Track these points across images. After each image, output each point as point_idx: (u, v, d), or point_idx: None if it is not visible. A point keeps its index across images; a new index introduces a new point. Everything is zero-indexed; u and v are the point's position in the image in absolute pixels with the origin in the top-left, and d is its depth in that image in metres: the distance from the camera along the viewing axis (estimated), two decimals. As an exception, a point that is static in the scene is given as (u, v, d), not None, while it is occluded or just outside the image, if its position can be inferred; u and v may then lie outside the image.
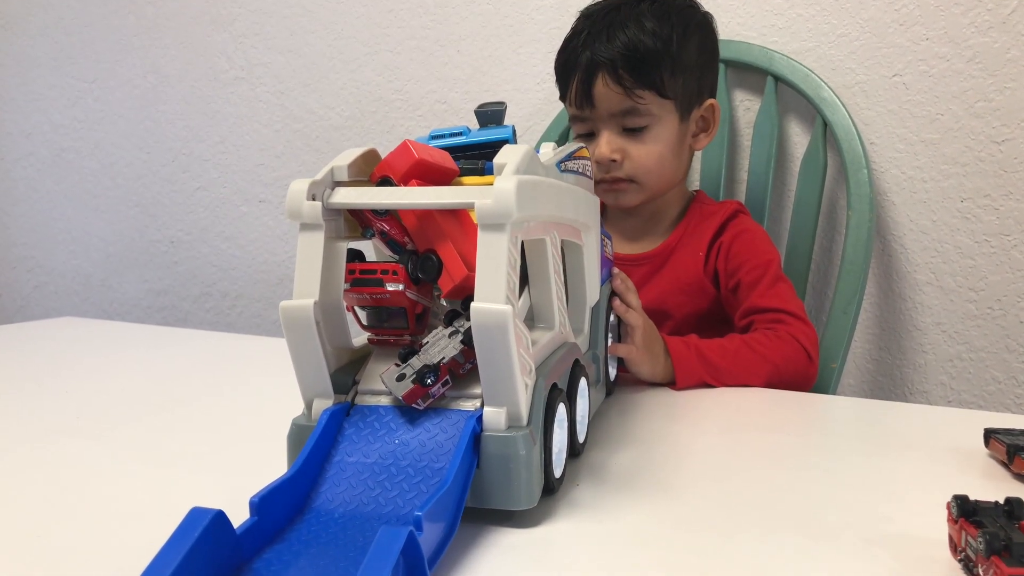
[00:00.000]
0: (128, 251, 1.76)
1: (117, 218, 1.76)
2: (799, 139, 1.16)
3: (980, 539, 0.38)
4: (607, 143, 0.92)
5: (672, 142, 0.95)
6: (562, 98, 0.99)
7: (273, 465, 0.49)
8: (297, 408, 0.50)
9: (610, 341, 0.73)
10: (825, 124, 1.09)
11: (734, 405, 0.74)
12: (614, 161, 0.92)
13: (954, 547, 0.42)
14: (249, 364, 0.95)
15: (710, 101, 0.98)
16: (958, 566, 0.41)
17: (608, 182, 0.94)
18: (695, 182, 1.19)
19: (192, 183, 1.67)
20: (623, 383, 0.78)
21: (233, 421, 0.70)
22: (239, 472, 0.56)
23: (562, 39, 0.99)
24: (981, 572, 0.38)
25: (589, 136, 0.95)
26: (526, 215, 0.47)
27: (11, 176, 1.85)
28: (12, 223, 1.87)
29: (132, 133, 1.72)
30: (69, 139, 1.78)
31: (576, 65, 0.92)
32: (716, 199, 1.12)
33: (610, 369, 0.73)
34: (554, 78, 0.99)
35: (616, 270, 0.76)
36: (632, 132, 0.93)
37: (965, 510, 0.41)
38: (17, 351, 1.01)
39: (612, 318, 0.74)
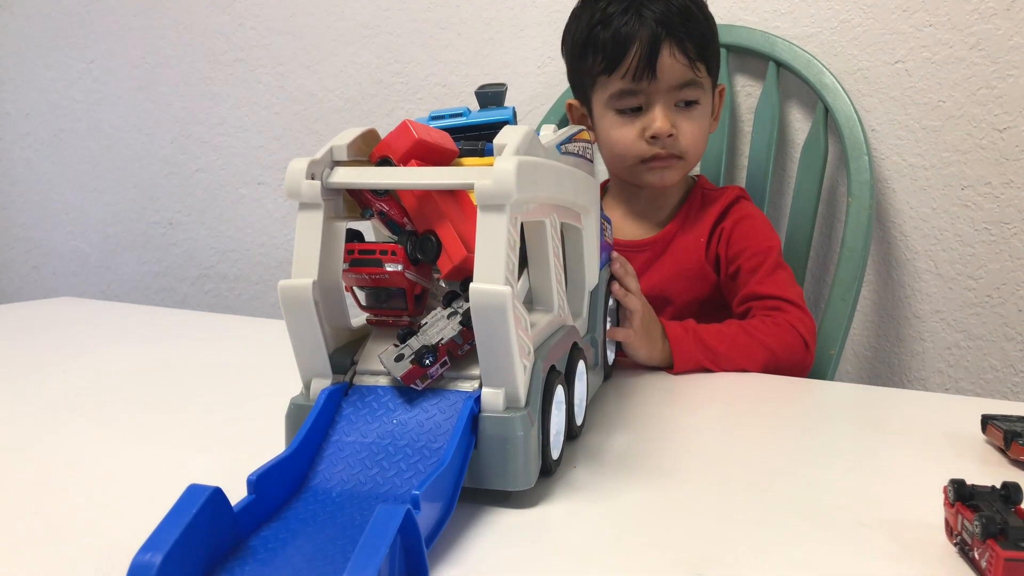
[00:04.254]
0: (126, 232, 1.75)
1: (115, 199, 1.75)
2: (800, 125, 1.15)
3: (976, 523, 0.38)
4: (664, 117, 0.90)
5: (709, 120, 0.96)
6: (600, 74, 0.92)
7: (271, 445, 0.49)
8: (295, 389, 0.50)
9: (608, 325, 0.73)
10: (826, 110, 1.09)
11: (731, 390, 0.74)
12: (671, 136, 0.91)
13: (950, 531, 0.42)
14: (248, 345, 0.95)
15: (721, 86, 0.99)
16: (954, 550, 0.41)
17: (662, 158, 0.93)
18: (695, 167, 1.18)
19: (191, 165, 1.67)
20: (621, 367, 0.78)
21: (231, 401, 0.70)
22: (237, 451, 0.56)
23: (563, 22, 0.98)
24: (977, 555, 0.39)
25: (636, 111, 0.92)
26: (526, 196, 0.46)
27: (9, 156, 1.84)
28: (10, 204, 1.86)
29: (131, 114, 1.71)
30: (67, 120, 1.78)
31: (634, 37, 0.88)
32: (716, 184, 1.11)
33: (608, 353, 0.73)
34: (554, 61, 0.98)
35: (615, 254, 0.75)
36: (683, 107, 0.92)
37: (962, 494, 0.41)
38: (14, 331, 1.01)
39: (611, 302, 0.74)
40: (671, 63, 0.89)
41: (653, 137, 0.91)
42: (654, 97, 0.91)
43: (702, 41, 0.90)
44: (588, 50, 0.93)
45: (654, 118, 0.91)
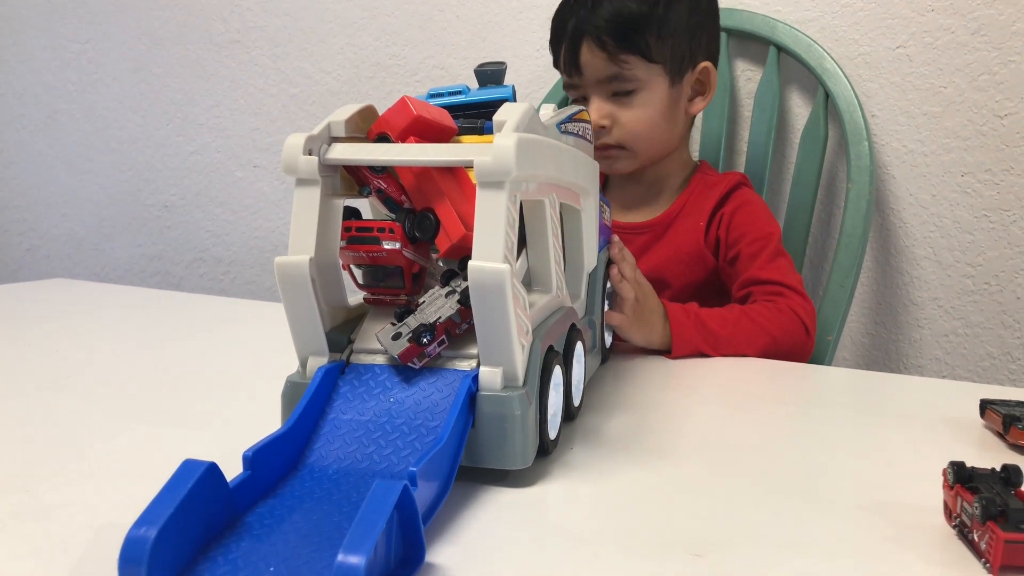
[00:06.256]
0: (121, 215, 1.74)
1: (110, 182, 1.74)
2: (800, 110, 1.15)
3: (976, 504, 0.38)
4: (596, 109, 0.92)
5: (663, 107, 0.94)
6: (555, 65, 0.98)
7: (267, 424, 0.49)
8: (292, 370, 0.50)
9: (606, 308, 0.72)
10: (827, 95, 1.08)
11: (730, 374, 0.74)
12: (603, 127, 0.92)
13: (949, 513, 0.42)
14: (244, 327, 0.94)
15: (704, 64, 0.97)
16: (952, 532, 0.41)
17: (600, 149, 0.94)
18: (695, 152, 1.18)
19: (186, 147, 1.66)
20: (618, 351, 0.78)
21: (226, 381, 0.69)
22: (232, 430, 0.55)
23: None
24: (976, 537, 0.38)
25: (582, 102, 0.95)
26: (525, 174, 0.46)
27: (3, 138, 1.83)
28: (4, 185, 1.85)
29: (126, 96, 1.70)
30: (62, 101, 1.76)
31: (563, 33, 0.93)
32: (716, 169, 1.11)
33: (606, 336, 0.72)
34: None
35: (614, 238, 0.75)
36: (620, 98, 0.93)
37: (961, 476, 0.41)
38: (8, 311, 1.00)
39: (608, 285, 0.73)
40: (590, 58, 0.91)
41: None
42: (587, 90, 0.94)
43: (629, 33, 0.90)
44: (550, 42, 0.98)
45: (588, 110, 0.91)
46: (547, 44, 0.99)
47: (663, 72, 0.93)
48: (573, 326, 0.56)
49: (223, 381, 0.69)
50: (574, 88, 0.96)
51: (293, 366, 0.50)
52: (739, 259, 0.93)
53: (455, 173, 0.49)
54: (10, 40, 1.78)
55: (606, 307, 0.72)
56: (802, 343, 0.85)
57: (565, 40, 0.93)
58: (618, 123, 0.93)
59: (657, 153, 0.97)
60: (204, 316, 1.00)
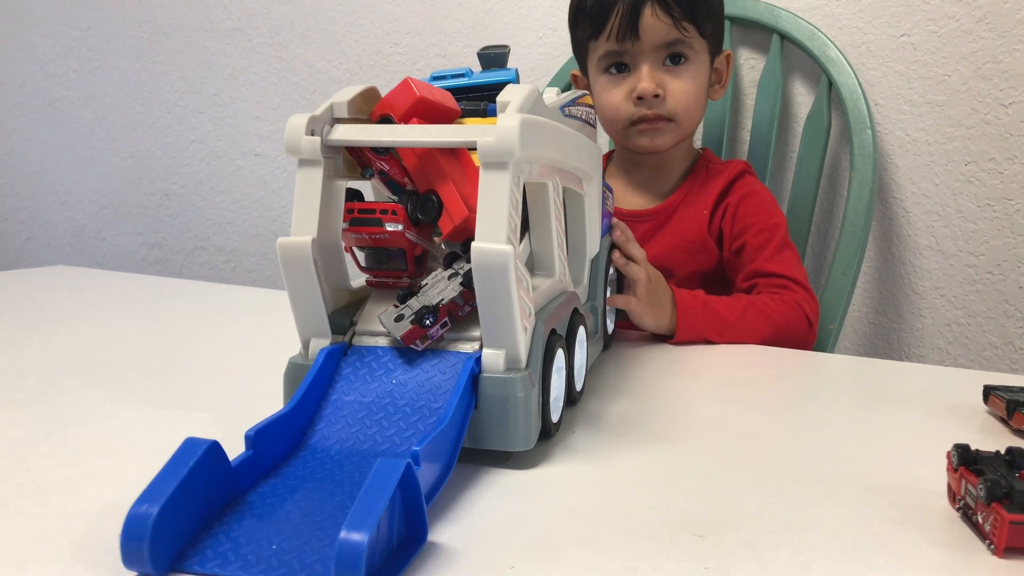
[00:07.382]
0: (122, 203, 1.74)
1: (111, 170, 1.74)
2: (803, 99, 1.14)
3: (981, 486, 0.38)
4: (649, 77, 0.91)
5: (704, 84, 0.96)
6: (589, 40, 0.95)
7: (268, 407, 0.48)
8: (294, 354, 0.49)
9: (609, 294, 0.72)
10: (830, 84, 1.08)
11: (732, 360, 0.74)
12: (657, 96, 0.91)
13: (953, 496, 0.42)
14: (245, 313, 0.94)
15: (728, 51, 0.99)
16: (956, 515, 0.41)
17: (648, 120, 0.93)
18: (697, 139, 1.17)
19: (187, 135, 1.65)
20: (621, 338, 0.77)
21: (228, 365, 0.69)
22: (234, 413, 0.55)
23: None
24: (980, 519, 0.38)
25: (620, 68, 0.93)
26: (529, 155, 0.46)
27: (3, 126, 1.82)
28: (4, 173, 1.84)
29: (126, 84, 1.69)
30: (62, 89, 1.76)
31: (617, 0, 0.90)
32: (719, 158, 1.10)
33: (608, 323, 0.72)
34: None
35: (616, 221, 0.75)
36: (672, 68, 0.92)
37: (965, 459, 0.41)
38: (9, 297, 1.00)
39: (611, 272, 0.73)
40: (653, 22, 0.90)
41: (639, 98, 0.91)
42: (639, 58, 0.92)
43: (691, 2, 0.90)
44: (579, 17, 0.96)
45: (640, 78, 0.91)
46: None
47: (707, 49, 0.94)
48: (576, 310, 0.55)
49: (225, 366, 0.69)
50: (619, 56, 0.93)
51: (295, 352, 0.50)
52: (744, 250, 0.92)
53: (458, 155, 0.49)
54: (11, 27, 1.78)
55: (609, 293, 0.72)
56: (804, 336, 0.85)
57: (620, 5, 0.90)
58: (670, 93, 0.92)
59: (691, 131, 0.98)
60: (205, 303, 0.99)
